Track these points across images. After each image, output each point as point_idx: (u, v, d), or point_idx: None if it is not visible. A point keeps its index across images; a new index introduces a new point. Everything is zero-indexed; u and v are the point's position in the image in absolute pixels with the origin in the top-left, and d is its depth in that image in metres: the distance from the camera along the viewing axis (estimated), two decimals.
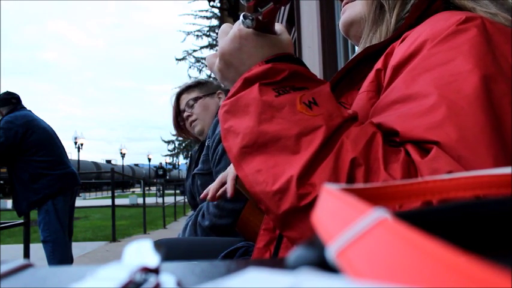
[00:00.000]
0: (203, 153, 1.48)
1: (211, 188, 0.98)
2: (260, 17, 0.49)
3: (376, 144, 0.42)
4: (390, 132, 0.45)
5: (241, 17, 0.50)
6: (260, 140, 0.44)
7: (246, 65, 0.51)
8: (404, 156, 0.42)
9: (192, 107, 1.60)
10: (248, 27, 0.50)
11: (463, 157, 0.39)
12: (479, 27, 0.47)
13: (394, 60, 0.51)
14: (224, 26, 0.57)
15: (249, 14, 0.49)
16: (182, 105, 1.64)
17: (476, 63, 0.43)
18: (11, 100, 3.01)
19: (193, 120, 1.60)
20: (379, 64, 0.55)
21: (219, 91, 1.63)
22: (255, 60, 0.50)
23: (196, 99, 1.59)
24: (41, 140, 2.90)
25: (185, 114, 1.62)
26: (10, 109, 2.97)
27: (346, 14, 0.70)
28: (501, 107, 0.42)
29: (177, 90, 1.67)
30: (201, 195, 1.01)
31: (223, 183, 0.97)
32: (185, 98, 1.63)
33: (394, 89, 0.48)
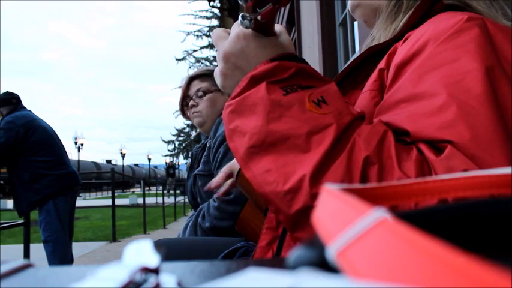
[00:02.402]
0: (204, 154, 1.47)
1: (213, 182, 0.97)
2: (259, 18, 0.48)
3: (388, 143, 0.42)
4: (399, 132, 0.45)
5: (239, 18, 0.49)
6: (269, 140, 0.43)
7: (252, 65, 0.50)
8: (417, 154, 0.41)
9: (200, 97, 1.54)
10: (246, 27, 0.49)
11: (477, 157, 0.39)
12: (481, 27, 0.47)
13: (397, 59, 0.51)
14: (218, 30, 0.56)
15: (247, 15, 0.48)
16: (191, 91, 1.57)
17: (482, 62, 0.44)
18: (11, 100, 3.01)
19: (197, 112, 1.55)
20: (382, 64, 0.55)
21: None
22: (260, 61, 0.50)
23: (206, 92, 1.53)
24: (41, 140, 2.91)
25: (191, 102, 1.56)
26: (10, 109, 2.97)
27: None
28: (506, 108, 0.42)
29: (191, 73, 1.60)
30: (206, 187, 0.98)
31: (229, 176, 0.96)
32: (196, 85, 1.56)
33: (400, 88, 0.48)
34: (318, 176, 0.40)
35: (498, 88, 0.42)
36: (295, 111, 0.44)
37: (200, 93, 1.54)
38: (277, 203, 0.43)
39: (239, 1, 0.45)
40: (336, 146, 0.42)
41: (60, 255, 2.86)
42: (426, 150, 0.42)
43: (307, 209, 0.41)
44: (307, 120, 0.43)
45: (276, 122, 0.44)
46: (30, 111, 3.06)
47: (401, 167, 0.40)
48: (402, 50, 0.51)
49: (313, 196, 0.40)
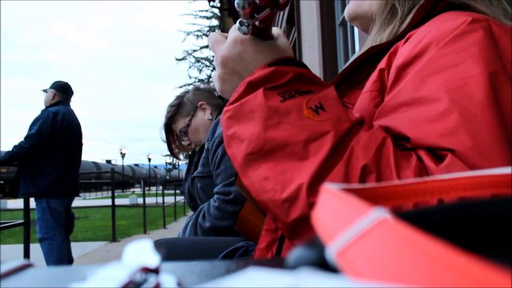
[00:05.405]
0: (203, 156, 1.47)
1: None
2: (257, 23, 0.48)
3: (387, 150, 0.42)
4: (399, 137, 0.44)
5: (237, 24, 0.48)
6: (266, 147, 0.43)
7: (250, 70, 0.50)
8: (416, 162, 0.41)
9: (185, 134, 1.63)
10: (244, 33, 0.48)
11: (478, 166, 0.39)
12: (486, 29, 0.46)
13: (398, 60, 0.50)
14: (215, 34, 0.55)
15: (245, 21, 0.47)
16: (174, 137, 1.66)
17: (486, 67, 0.43)
18: (62, 91, 3.19)
19: (189, 144, 1.65)
20: (382, 64, 0.54)
21: (200, 102, 1.60)
22: (257, 65, 0.49)
23: (186, 132, 1.61)
24: (59, 142, 3.01)
25: (182, 144, 1.65)
26: (59, 99, 3.15)
27: (352, 6, 0.69)
28: (508, 115, 0.41)
29: (164, 122, 1.66)
30: None
31: None
32: (175, 129, 1.65)
33: (401, 91, 0.47)
34: (315, 185, 0.40)
35: (501, 94, 0.42)
36: (293, 118, 0.44)
37: (182, 134, 1.63)
38: (275, 211, 0.43)
39: (236, 8, 0.45)
40: (333, 154, 0.41)
41: (57, 254, 2.90)
42: (426, 158, 0.41)
43: (305, 218, 0.41)
44: (305, 128, 0.43)
45: (273, 129, 0.43)
46: (71, 109, 3.20)
47: (400, 176, 0.40)
48: (404, 51, 0.51)
49: (311, 205, 0.40)
